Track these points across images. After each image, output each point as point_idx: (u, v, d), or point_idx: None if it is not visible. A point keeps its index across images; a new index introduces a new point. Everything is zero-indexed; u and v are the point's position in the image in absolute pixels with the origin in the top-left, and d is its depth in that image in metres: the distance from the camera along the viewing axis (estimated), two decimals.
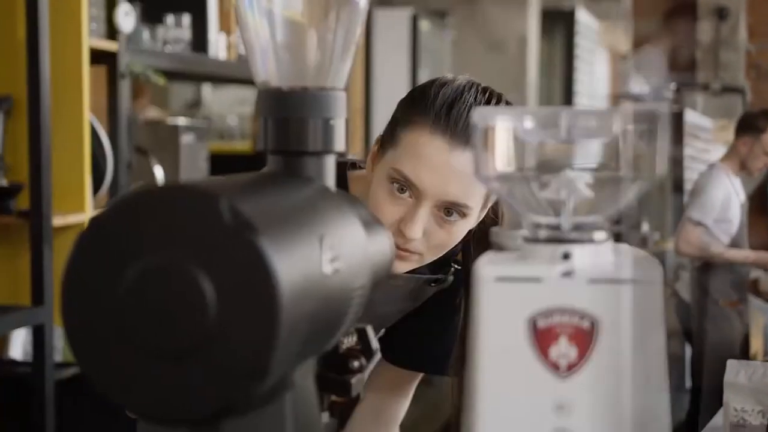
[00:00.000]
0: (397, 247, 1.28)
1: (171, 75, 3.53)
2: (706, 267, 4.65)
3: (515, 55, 5.91)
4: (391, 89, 5.08)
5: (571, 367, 0.66)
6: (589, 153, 0.70)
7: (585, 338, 0.65)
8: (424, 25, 5.74)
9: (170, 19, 3.26)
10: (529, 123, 0.67)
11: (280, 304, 0.59)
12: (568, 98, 7.47)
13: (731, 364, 1.82)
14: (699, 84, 6.57)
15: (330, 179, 0.78)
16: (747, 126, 4.62)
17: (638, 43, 8.28)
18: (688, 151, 6.84)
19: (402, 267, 1.32)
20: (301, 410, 0.69)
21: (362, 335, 0.85)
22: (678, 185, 6.95)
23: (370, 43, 5.51)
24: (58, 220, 2.53)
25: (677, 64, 4.61)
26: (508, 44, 5.91)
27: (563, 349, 0.66)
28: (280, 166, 0.77)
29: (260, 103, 0.77)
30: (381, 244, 0.83)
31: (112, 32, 2.78)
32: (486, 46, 6.01)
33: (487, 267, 0.67)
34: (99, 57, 2.78)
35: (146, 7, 3.17)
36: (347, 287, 0.71)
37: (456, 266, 1.45)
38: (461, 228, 1.30)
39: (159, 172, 3.13)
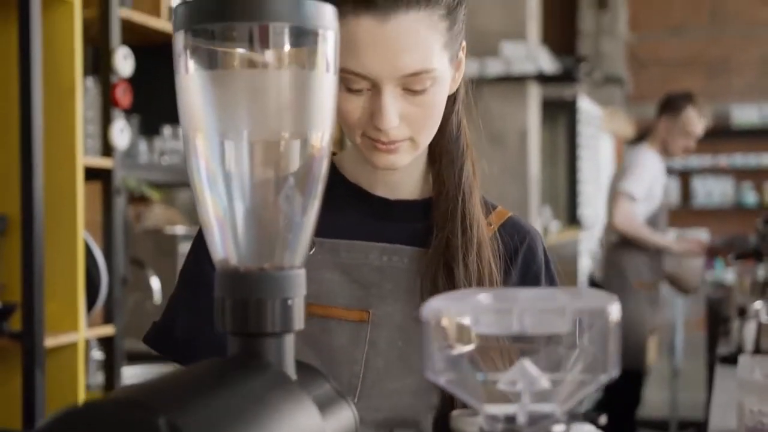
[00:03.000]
0: (383, 143, 1.21)
1: (169, 184, 3.55)
2: (621, 245, 4.56)
3: (516, 148, 5.93)
4: None
5: None
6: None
7: None
8: None
9: (167, 130, 3.29)
10: (481, 316, 0.66)
11: None
12: (572, 186, 7.47)
13: (744, 360, 1.58)
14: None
15: (289, 359, 0.77)
16: (666, 107, 4.67)
17: (641, 126, 8.33)
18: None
19: (401, 160, 1.23)
20: None
21: None
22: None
23: None
24: (50, 341, 2.51)
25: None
26: (509, 137, 5.93)
27: None
28: (238, 348, 0.76)
29: (218, 283, 0.76)
30: (341, 422, 0.81)
31: (107, 148, 2.80)
32: (487, 139, 6.03)
33: None
34: (94, 173, 2.79)
35: (144, 118, 3.19)
36: None
37: None
38: (436, 95, 1.21)
39: (156, 285, 3.11)
